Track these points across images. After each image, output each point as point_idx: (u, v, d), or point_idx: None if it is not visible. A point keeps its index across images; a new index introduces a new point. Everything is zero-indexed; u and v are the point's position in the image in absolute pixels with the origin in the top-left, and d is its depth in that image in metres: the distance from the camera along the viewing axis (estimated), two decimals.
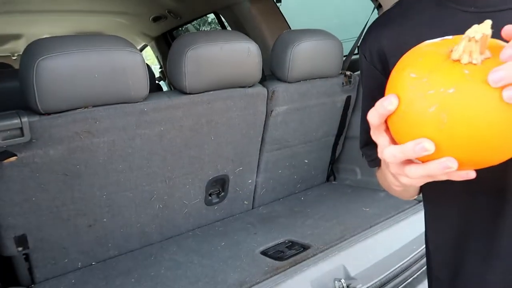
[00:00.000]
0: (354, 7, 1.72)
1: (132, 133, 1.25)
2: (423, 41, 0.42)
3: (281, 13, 2.42)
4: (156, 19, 2.98)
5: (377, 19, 0.65)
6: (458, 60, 0.37)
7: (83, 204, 1.26)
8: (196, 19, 3.21)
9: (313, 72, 1.62)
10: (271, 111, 1.57)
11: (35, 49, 1.03)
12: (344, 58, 1.80)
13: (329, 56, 1.62)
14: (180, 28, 3.34)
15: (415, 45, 0.42)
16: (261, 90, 1.52)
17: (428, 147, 0.36)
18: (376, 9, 1.73)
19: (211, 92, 1.38)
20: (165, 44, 3.32)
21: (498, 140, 0.36)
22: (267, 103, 1.55)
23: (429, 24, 0.55)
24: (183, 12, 2.70)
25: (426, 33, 0.47)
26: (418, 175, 0.39)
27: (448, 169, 0.36)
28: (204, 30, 3.74)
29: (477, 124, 0.35)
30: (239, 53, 1.39)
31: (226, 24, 2.83)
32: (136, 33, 3.30)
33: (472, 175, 0.39)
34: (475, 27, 0.37)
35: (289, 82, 1.58)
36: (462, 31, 0.38)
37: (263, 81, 1.57)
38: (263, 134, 1.62)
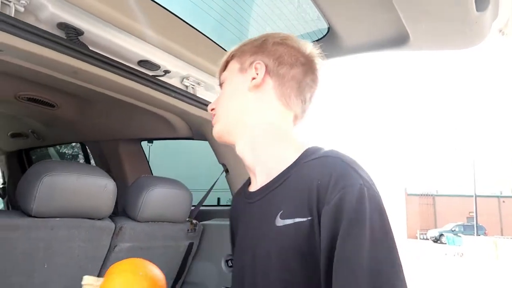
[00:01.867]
0: (210, 164, 2.10)
1: None
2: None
3: (146, 157, 2.66)
4: (14, 135, 2.89)
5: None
6: None
7: None
8: (60, 144, 3.22)
9: (162, 216, 1.78)
10: (115, 247, 1.62)
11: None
12: (193, 207, 2.02)
13: (179, 204, 1.83)
14: (39, 149, 3.26)
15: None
16: (109, 224, 1.59)
17: None
18: (224, 172, 2.08)
19: (58, 218, 1.41)
20: (17, 161, 3.15)
21: None
22: (112, 238, 1.61)
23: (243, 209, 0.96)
24: (47, 135, 2.73)
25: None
26: None
27: None
28: (65, 152, 3.70)
29: None
30: (95, 187, 1.49)
31: (90, 155, 2.92)
32: None
33: None
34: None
35: (138, 221, 1.69)
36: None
37: (113, 216, 1.65)
38: (101, 269, 1.62)
